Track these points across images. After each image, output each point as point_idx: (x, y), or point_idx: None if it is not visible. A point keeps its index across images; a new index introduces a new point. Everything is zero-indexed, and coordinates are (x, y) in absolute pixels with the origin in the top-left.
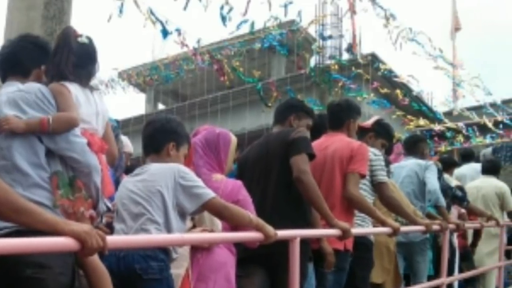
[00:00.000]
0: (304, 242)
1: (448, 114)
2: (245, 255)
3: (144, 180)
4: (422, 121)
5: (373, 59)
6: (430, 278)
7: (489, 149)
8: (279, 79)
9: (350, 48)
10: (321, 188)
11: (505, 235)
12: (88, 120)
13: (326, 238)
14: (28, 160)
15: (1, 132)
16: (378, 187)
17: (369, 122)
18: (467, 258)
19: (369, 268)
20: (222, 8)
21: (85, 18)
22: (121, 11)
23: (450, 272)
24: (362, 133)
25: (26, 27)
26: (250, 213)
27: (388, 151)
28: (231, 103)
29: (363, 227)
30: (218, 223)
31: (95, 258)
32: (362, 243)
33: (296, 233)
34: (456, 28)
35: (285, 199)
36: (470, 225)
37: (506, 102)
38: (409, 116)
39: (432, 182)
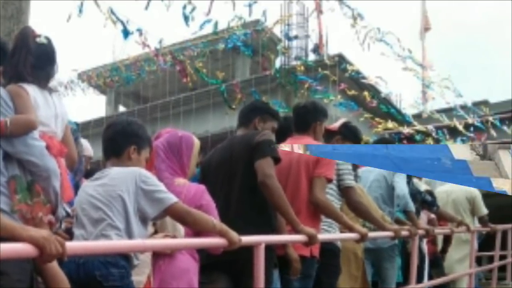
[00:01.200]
0: (269, 248)
1: (418, 116)
2: (209, 262)
3: (105, 184)
4: (390, 124)
5: (340, 60)
6: (399, 285)
7: None
8: (243, 81)
9: (317, 49)
10: (287, 193)
11: (476, 241)
12: (47, 123)
13: (292, 244)
14: None
15: None
16: (345, 192)
17: (336, 125)
18: (437, 264)
19: (336, 275)
20: (184, 7)
21: (44, 18)
22: (80, 11)
23: (420, 279)
24: (329, 136)
25: None
26: (213, 219)
27: None
28: (194, 105)
29: (330, 232)
30: (181, 228)
31: (54, 264)
32: (329, 249)
33: (261, 239)
34: (426, 28)
35: (249, 204)
36: (440, 231)
37: (476, 104)
38: (377, 119)
39: (401, 186)
